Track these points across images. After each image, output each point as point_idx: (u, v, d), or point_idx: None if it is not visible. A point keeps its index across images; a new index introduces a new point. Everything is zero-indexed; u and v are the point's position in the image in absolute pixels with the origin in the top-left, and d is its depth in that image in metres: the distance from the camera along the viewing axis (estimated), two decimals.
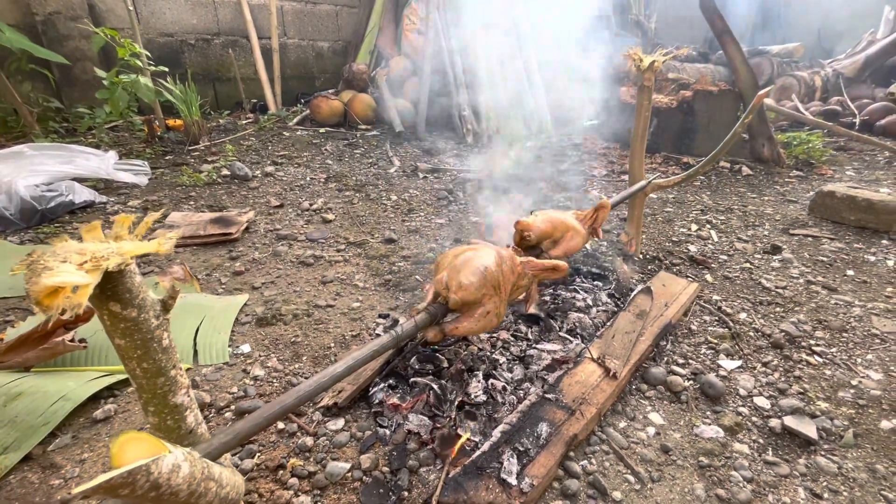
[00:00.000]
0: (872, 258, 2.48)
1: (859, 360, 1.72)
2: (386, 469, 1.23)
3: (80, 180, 2.87)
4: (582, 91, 5.87)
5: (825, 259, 2.48)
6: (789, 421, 1.41)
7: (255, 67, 5.50)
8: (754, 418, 1.45)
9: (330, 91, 5.79)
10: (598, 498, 1.19)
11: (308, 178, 3.52)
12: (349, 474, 1.21)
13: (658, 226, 2.95)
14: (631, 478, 1.25)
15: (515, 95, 5.56)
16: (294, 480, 1.19)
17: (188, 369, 1.57)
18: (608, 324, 1.80)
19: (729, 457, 1.32)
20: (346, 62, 6.13)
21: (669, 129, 4.56)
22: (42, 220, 2.50)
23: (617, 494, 1.20)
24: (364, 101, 5.26)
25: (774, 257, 2.52)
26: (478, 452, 1.24)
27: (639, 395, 1.55)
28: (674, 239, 2.74)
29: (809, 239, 2.74)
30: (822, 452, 1.34)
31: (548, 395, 1.43)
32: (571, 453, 1.30)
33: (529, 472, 1.19)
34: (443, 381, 1.47)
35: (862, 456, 1.33)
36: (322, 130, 5.00)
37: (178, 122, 4.48)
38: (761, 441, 1.37)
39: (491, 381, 1.50)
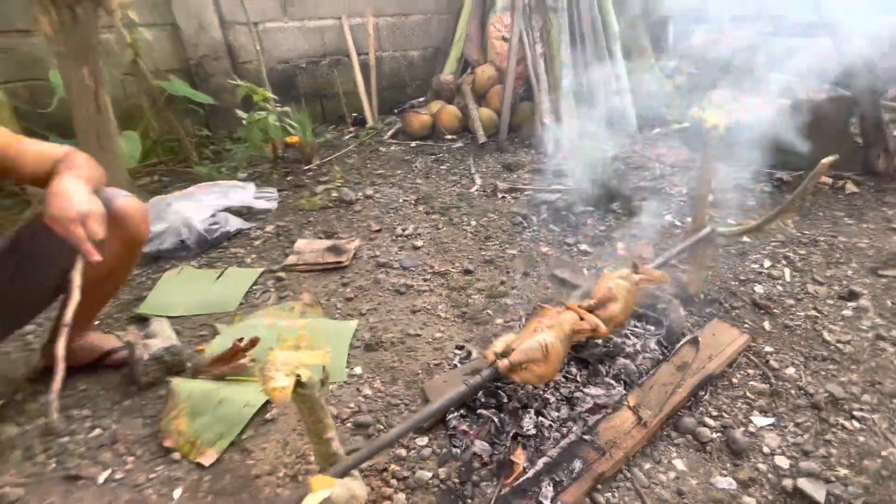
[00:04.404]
0: None
1: None
2: (456, 480, 1.72)
3: (229, 210, 3.70)
4: (670, 91, 5.66)
5: None
6: (802, 482, 1.63)
7: (355, 82, 6.14)
8: (770, 475, 1.69)
9: (420, 99, 6.27)
10: None
11: (401, 201, 4.06)
12: (430, 481, 1.72)
13: (730, 258, 3.01)
14: None
15: (601, 96, 5.55)
16: (394, 481, 1.72)
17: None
18: (651, 372, 2.08)
19: None
20: (434, 67, 6.53)
21: (763, 138, 4.31)
22: (209, 247, 3.34)
23: None
24: (450, 112, 5.65)
25: (848, 304, 2.51)
26: (523, 477, 1.67)
27: (668, 440, 1.84)
28: (741, 277, 2.81)
29: None
30: None
31: (585, 437, 1.80)
32: (599, 486, 1.67)
33: (562, 498, 1.59)
34: (502, 415, 1.90)
35: None
36: (413, 144, 5.51)
37: (294, 139, 5.28)
38: (770, 497, 1.62)
39: (540, 417, 1.90)
